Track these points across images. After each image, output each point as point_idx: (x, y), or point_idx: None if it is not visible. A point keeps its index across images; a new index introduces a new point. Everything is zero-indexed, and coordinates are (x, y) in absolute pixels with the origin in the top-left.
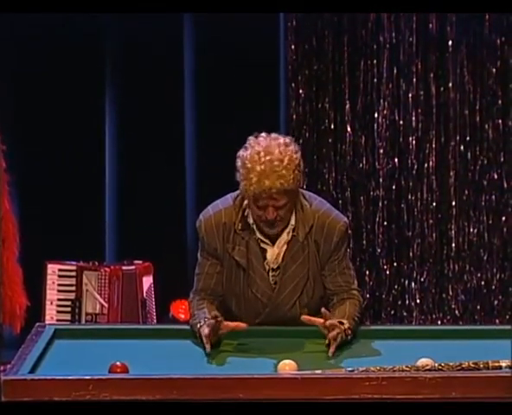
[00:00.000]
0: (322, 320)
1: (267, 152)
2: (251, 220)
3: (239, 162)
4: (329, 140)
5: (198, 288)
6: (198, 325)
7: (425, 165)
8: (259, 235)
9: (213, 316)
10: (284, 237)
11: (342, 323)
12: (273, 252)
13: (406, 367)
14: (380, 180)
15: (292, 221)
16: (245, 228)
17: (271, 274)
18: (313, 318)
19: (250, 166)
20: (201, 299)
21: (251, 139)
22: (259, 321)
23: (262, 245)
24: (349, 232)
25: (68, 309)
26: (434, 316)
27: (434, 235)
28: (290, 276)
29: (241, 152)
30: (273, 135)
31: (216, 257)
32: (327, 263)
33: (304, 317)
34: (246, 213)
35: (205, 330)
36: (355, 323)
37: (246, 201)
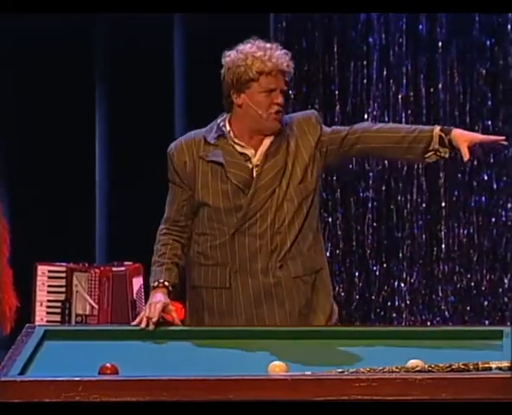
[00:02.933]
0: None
1: (259, 44)
2: (227, 128)
3: (239, 55)
4: None
5: (163, 218)
6: (155, 283)
7: (415, 166)
8: (235, 140)
9: (165, 304)
10: (268, 138)
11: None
12: (258, 152)
13: (396, 368)
14: (370, 181)
15: None
16: (218, 137)
17: (255, 170)
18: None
19: (253, 50)
20: (167, 232)
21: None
22: (240, 217)
23: (238, 148)
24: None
25: (58, 310)
26: (424, 317)
27: (424, 236)
28: (269, 167)
29: (231, 52)
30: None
31: (184, 178)
32: (326, 138)
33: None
34: (221, 125)
35: (156, 310)
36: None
37: (219, 118)
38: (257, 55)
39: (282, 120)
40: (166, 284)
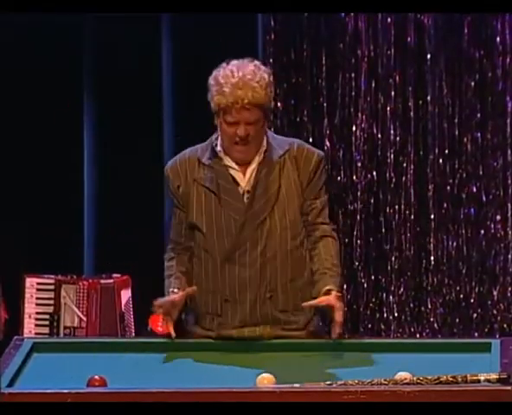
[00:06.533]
0: (320, 299)
1: (240, 69)
2: (219, 148)
3: (211, 81)
4: None
5: (169, 238)
6: (168, 293)
7: (404, 178)
8: (227, 162)
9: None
10: (256, 159)
11: (329, 291)
12: (246, 176)
13: (385, 380)
14: (358, 193)
15: (264, 143)
16: (212, 158)
17: (245, 196)
18: (312, 303)
19: (223, 81)
20: (171, 250)
21: (223, 63)
22: (229, 245)
23: (232, 172)
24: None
25: (47, 322)
26: (412, 330)
27: (412, 248)
28: (260, 193)
29: (213, 73)
30: (246, 59)
31: (179, 199)
32: (306, 190)
33: (305, 304)
34: (214, 144)
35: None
36: (338, 270)
37: (216, 135)
38: (218, 86)
39: (251, 150)
40: (175, 290)
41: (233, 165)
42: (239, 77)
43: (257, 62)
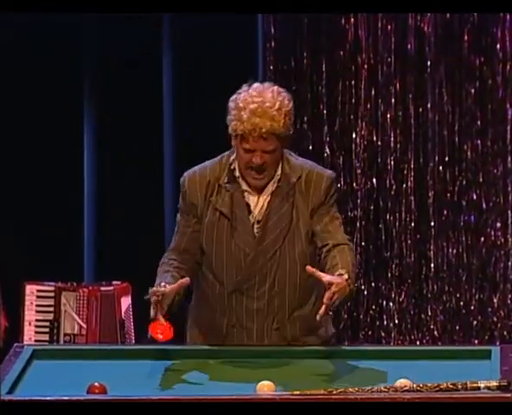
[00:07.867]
0: (324, 275)
1: (260, 94)
2: (237, 173)
3: (231, 104)
4: None
5: (170, 247)
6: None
7: (404, 185)
8: (244, 187)
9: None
10: (270, 188)
11: (341, 274)
12: (258, 203)
13: (385, 387)
14: (358, 200)
15: (278, 172)
16: (230, 181)
17: (256, 227)
18: (317, 272)
19: (242, 105)
20: (170, 260)
21: (244, 86)
22: (240, 277)
23: (247, 197)
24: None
25: (47, 329)
26: (413, 337)
27: (413, 256)
28: (272, 225)
29: (234, 96)
30: (267, 83)
31: (194, 214)
32: (317, 212)
33: (309, 268)
34: (232, 167)
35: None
36: (354, 272)
37: (233, 156)
38: (236, 111)
39: (265, 178)
40: (163, 284)
41: (250, 190)
42: (258, 103)
43: (278, 88)
